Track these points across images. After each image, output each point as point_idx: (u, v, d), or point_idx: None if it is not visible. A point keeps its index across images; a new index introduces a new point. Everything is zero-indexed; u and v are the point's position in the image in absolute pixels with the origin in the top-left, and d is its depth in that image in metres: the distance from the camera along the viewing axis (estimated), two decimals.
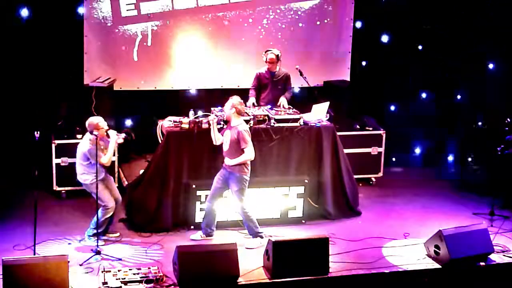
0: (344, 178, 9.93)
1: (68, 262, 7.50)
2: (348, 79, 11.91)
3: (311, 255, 8.17)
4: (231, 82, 11.48)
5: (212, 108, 9.73)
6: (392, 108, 12.47)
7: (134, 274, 7.92)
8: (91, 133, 8.55)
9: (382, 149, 11.27)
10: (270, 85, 10.28)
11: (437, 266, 8.57)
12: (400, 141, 12.16)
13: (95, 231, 8.72)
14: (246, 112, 9.44)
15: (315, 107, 9.84)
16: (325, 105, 9.97)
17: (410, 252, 8.89)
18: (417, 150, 12.56)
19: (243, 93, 10.54)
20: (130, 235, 9.12)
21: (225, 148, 8.85)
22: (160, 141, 9.39)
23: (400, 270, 8.48)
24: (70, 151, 9.51)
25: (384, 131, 11.27)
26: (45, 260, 7.47)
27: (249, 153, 8.75)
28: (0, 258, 7.48)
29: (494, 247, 8.82)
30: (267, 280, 8.06)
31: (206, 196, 9.23)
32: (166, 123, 9.52)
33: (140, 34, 11.03)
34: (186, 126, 9.26)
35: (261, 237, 8.94)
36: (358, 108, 11.69)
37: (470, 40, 12.12)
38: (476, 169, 11.84)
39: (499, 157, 10.22)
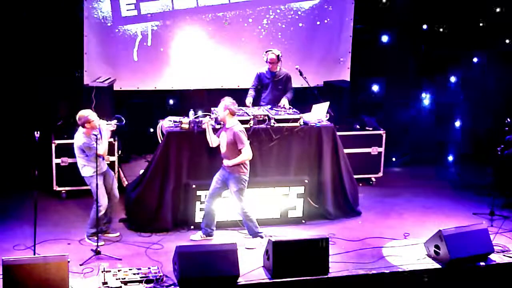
0: (344, 178, 9.93)
1: (68, 262, 7.49)
2: (348, 79, 11.91)
3: (311, 255, 8.17)
4: (231, 82, 11.48)
5: (212, 108, 9.73)
6: (392, 108, 12.46)
7: (134, 274, 7.91)
8: (83, 126, 8.59)
9: (382, 149, 11.27)
10: (270, 85, 10.29)
11: (437, 266, 8.57)
12: (400, 141, 12.15)
13: (92, 230, 8.74)
14: (242, 109, 9.45)
15: (315, 107, 9.84)
16: (325, 105, 9.97)
17: (410, 252, 8.89)
18: (417, 150, 12.55)
19: (243, 93, 10.56)
20: (130, 235, 9.12)
21: (223, 150, 8.86)
22: (160, 141, 9.39)
23: (400, 270, 8.47)
24: (70, 151, 9.48)
25: (384, 131, 11.27)
26: (45, 260, 7.46)
27: (246, 153, 8.76)
28: (0, 258, 7.48)
29: (494, 247, 8.82)
30: (267, 280, 8.06)
31: (206, 196, 9.24)
32: (166, 123, 9.52)
33: (140, 34, 11.03)
34: (186, 126, 9.26)
35: (261, 237, 8.94)
36: (358, 108, 11.68)
37: (470, 39, 12.12)
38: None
39: (499, 157, 10.22)
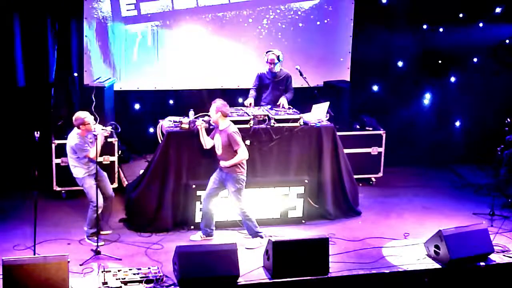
0: (344, 178, 9.93)
1: (68, 262, 7.49)
2: (348, 79, 11.91)
3: (311, 255, 8.17)
4: (231, 82, 11.49)
5: None
6: (393, 107, 12.46)
7: (134, 274, 7.91)
8: (78, 127, 8.61)
9: (382, 149, 11.27)
10: (271, 86, 10.29)
11: (437, 266, 8.57)
12: (400, 141, 12.15)
13: (91, 230, 8.75)
14: (242, 109, 9.46)
15: (315, 107, 9.84)
16: (325, 105, 9.97)
17: (410, 252, 8.89)
18: (417, 150, 12.54)
19: (243, 93, 10.55)
20: (130, 235, 9.12)
21: (219, 152, 8.86)
22: (160, 141, 9.39)
23: (400, 270, 8.48)
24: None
25: (384, 131, 11.27)
26: (45, 260, 7.46)
27: (242, 154, 8.77)
28: (0, 258, 7.48)
29: (494, 247, 8.82)
30: (267, 280, 8.06)
31: (203, 196, 9.25)
32: (166, 123, 9.52)
33: (140, 34, 11.03)
34: (186, 126, 9.26)
35: (261, 236, 8.94)
36: (358, 108, 11.68)
37: (470, 39, 12.12)
38: (475, 169, 11.84)
39: (499, 157, 10.23)
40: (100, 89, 10.26)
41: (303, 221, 9.70)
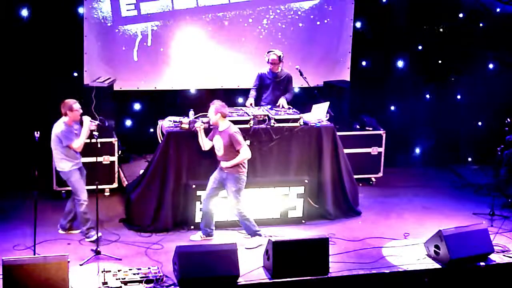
0: (344, 178, 9.93)
1: (68, 262, 7.49)
2: (348, 79, 11.91)
3: (311, 255, 8.17)
4: (231, 82, 11.49)
5: None
6: (392, 108, 12.47)
7: (134, 274, 7.91)
8: (65, 114, 8.60)
9: (382, 149, 11.27)
10: (271, 86, 10.29)
11: (437, 266, 8.57)
12: (400, 141, 12.16)
13: (86, 227, 8.75)
14: (242, 109, 9.50)
15: (315, 107, 9.84)
16: (325, 105, 9.97)
17: (410, 252, 8.89)
18: (417, 150, 12.56)
19: (243, 93, 10.55)
20: (130, 235, 9.12)
21: (220, 153, 8.84)
22: (160, 141, 9.39)
23: (400, 270, 8.48)
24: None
25: (384, 131, 11.27)
26: (45, 260, 7.46)
27: (245, 153, 8.76)
28: (0, 258, 7.48)
29: (494, 247, 8.82)
30: (267, 280, 8.06)
31: (203, 196, 9.26)
32: (166, 123, 9.53)
33: (140, 34, 11.04)
34: (186, 126, 9.26)
35: (260, 235, 8.93)
36: (358, 108, 11.68)
37: (470, 40, 12.13)
38: (475, 169, 11.85)
39: (499, 157, 10.23)
40: (100, 89, 10.26)
41: (303, 221, 9.69)
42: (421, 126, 12.39)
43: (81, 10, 10.68)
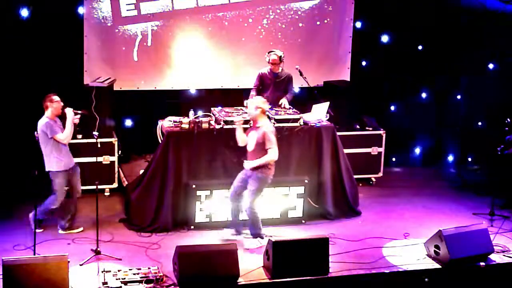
0: (344, 178, 9.93)
1: (68, 262, 7.49)
2: (348, 79, 11.91)
3: (311, 255, 8.17)
4: (231, 82, 11.49)
5: (212, 108, 9.74)
6: (392, 108, 12.47)
7: (134, 274, 7.91)
8: (46, 108, 8.69)
9: (382, 149, 11.27)
10: (272, 86, 10.28)
11: (437, 266, 8.57)
12: (400, 141, 12.16)
13: (39, 216, 8.74)
14: (242, 109, 9.59)
15: (315, 107, 9.84)
16: (325, 105, 9.97)
17: (410, 252, 8.89)
18: (417, 150, 12.56)
19: (243, 93, 10.54)
20: (130, 235, 9.12)
21: (250, 148, 8.84)
22: (160, 141, 9.39)
23: (400, 270, 8.48)
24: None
25: (384, 131, 11.27)
26: (45, 260, 7.46)
27: (272, 154, 8.70)
28: (0, 258, 7.48)
29: (494, 247, 8.82)
30: (267, 280, 8.06)
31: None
32: (166, 123, 9.53)
33: (140, 34, 11.04)
34: (186, 126, 9.26)
35: (262, 238, 8.93)
36: (358, 108, 11.69)
37: (470, 39, 12.13)
38: (476, 169, 11.84)
39: (499, 157, 10.22)
40: (100, 89, 10.26)
41: (303, 221, 9.69)
42: (421, 126, 12.40)
43: (81, 10, 10.68)
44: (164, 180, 9.25)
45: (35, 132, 8.30)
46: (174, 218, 9.35)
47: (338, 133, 9.99)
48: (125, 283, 7.75)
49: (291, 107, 10.02)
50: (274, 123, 9.54)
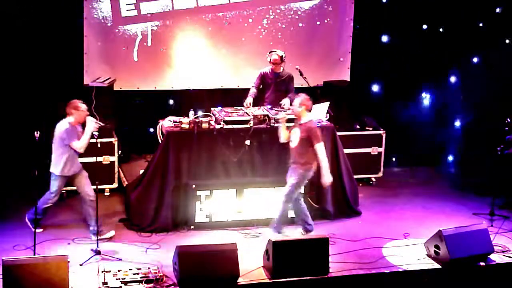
0: (344, 178, 9.93)
1: (68, 262, 7.50)
2: (348, 79, 11.91)
3: (311, 255, 8.17)
4: (231, 82, 11.49)
5: (212, 108, 9.74)
6: (392, 108, 12.45)
7: (134, 274, 7.92)
8: (70, 113, 8.63)
9: (382, 149, 11.27)
10: (273, 86, 10.28)
11: (437, 266, 8.57)
12: (400, 141, 12.14)
13: (34, 217, 8.61)
14: (242, 109, 9.65)
15: (315, 107, 9.83)
16: (325, 105, 9.97)
17: (410, 252, 8.89)
18: (417, 150, 12.54)
19: (243, 93, 10.54)
20: (130, 235, 9.12)
21: (293, 144, 8.91)
22: (160, 141, 9.39)
23: (400, 270, 8.48)
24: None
25: (384, 131, 11.27)
26: (45, 260, 7.47)
27: (322, 150, 8.82)
28: (0, 258, 7.48)
29: (494, 247, 8.83)
30: (267, 280, 8.06)
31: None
32: (166, 123, 9.53)
33: (140, 34, 11.04)
34: (186, 126, 9.26)
35: (279, 233, 8.94)
36: (358, 108, 11.68)
37: (470, 39, 12.13)
38: (475, 169, 11.83)
39: (499, 157, 10.22)
40: (100, 89, 10.26)
41: None
42: (421, 126, 12.38)
43: (81, 10, 10.68)
44: (164, 180, 9.25)
45: (35, 132, 8.28)
46: (174, 218, 9.35)
47: (338, 133, 9.99)
48: (125, 283, 7.76)
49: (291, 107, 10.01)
50: (274, 123, 9.54)
